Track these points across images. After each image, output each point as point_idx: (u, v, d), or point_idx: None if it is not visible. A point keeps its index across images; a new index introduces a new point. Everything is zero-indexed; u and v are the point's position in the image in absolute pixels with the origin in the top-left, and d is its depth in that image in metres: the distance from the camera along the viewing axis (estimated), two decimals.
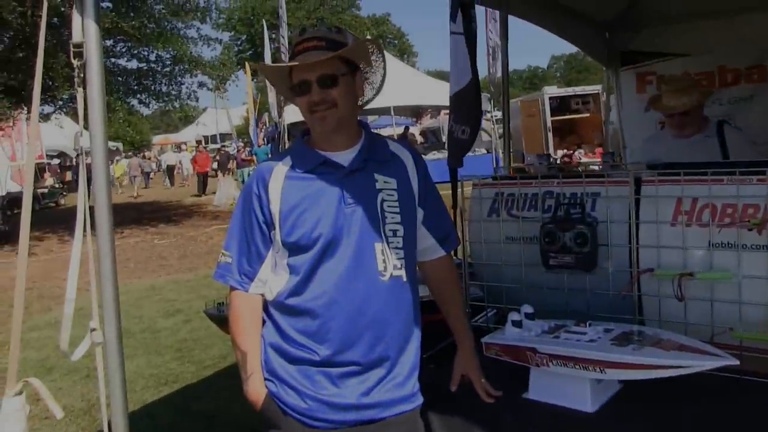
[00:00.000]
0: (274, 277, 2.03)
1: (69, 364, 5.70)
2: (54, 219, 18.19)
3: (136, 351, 6.33)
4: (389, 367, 2.02)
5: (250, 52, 50.10)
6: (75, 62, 2.10)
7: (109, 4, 14.48)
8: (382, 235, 1.98)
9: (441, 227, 2.20)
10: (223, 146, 31.17)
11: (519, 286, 2.85)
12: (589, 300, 2.66)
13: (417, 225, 2.11)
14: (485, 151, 20.24)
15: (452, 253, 2.34)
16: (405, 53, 52.95)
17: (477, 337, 2.44)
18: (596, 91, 18.87)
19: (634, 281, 2.51)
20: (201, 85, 16.98)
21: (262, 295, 2.04)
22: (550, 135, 19.12)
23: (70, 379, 5.72)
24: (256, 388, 2.01)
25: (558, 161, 16.66)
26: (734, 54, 4.96)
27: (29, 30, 12.44)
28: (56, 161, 27.06)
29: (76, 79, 2.11)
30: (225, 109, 30.40)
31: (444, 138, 23.56)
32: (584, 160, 16.24)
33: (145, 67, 16.05)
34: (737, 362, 1.94)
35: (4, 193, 18.23)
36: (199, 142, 39.05)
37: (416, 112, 28.01)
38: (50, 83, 13.54)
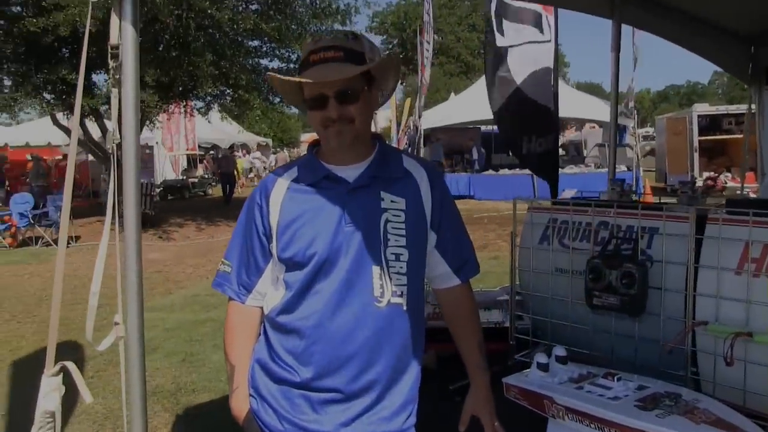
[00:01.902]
0: (273, 291, 1.94)
1: (170, 346, 5.94)
2: (198, 207, 19.14)
3: None
4: (376, 399, 1.85)
5: (401, 56, 50.66)
6: (111, 63, 2.16)
7: (257, 6, 15.13)
8: (383, 258, 1.82)
9: (457, 254, 1.99)
10: None
11: (565, 323, 2.57)
12: (638, 348, 2.33)
13: (428, 250, 1.93)
14: (626, 168, 19.08)
15: (470, 281, 2.12)
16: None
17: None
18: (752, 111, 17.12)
19: (686, 333, 2.16)
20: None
21: (261, 308, 1.96)
22: (696, 155, 17.65)
23: (168, 361, 5.77)
24: (239, 404, 1.93)
25: (701, 184, 15.41)
26: None
27: (182, 32, 13.29)
28: (212, 153, 28.79)
29: (110, 80, 2.17)
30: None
31: (585, 152, 22.62)
32: (731, 184, 14.81)
33: (286, 68, 16.60)
34: None
35: (160, 181, 19.79)
36: None
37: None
38: (196, 81, 14.39)
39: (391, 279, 1.82)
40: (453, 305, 2.04)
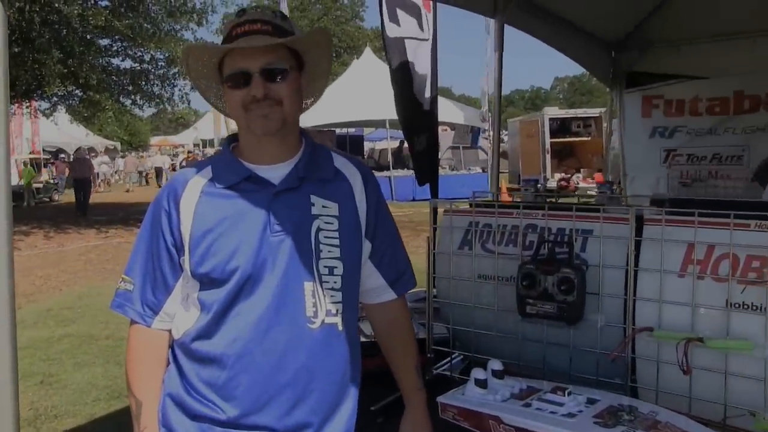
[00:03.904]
0: (183, 312, 1.62)
1: (24, 367, 5.28)
2: (44, 214, 17.85)
3: (95, 359, 5.92)
4: None
5: None
6: None
7: (107, 2, 14.17)
8: (315, 272, 1.56)
9: (393, 265, 1.75)
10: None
11: (491, 333, 2.39)
12: (572, 358, 2.20)
13: (362, 261, 1.67)
14: (480, 170, 19.83)
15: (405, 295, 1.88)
16: None
17: (438, 388, 2.02)
18: (598, 114, 18.51)
19: (628, 341, 2.04)
20: (194, 88, 16.62)
21: (169, 331, 1.61)
22: (548, 157, 18.71)
23: (23, 384, 5.28)
24: None
25: (554, 185, 16.34)
26: (754, 79, 4.49)
27: (25, 26, 12.16)
28: (62, 156, 27.16)
29: None
30: (221, 114, 30.25)
31: (440, 155, 23.27)
32: (582, 185, 15.82)
33: (139, 68, 15.70)
34: None
35: None
36: (196, 146, 38.93)
37: None
38: (41, 80, 13.27)
39: (324, 296, 1.57)
40: (387, 322, 1.82)
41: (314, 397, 1.56)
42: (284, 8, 12.89)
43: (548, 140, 18.81)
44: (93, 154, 28.72)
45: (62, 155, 27.26)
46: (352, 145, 23.68)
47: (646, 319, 2.03)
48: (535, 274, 2.16)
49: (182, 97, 17.06)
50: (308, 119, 18.80)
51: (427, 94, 4.45)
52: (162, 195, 1.59)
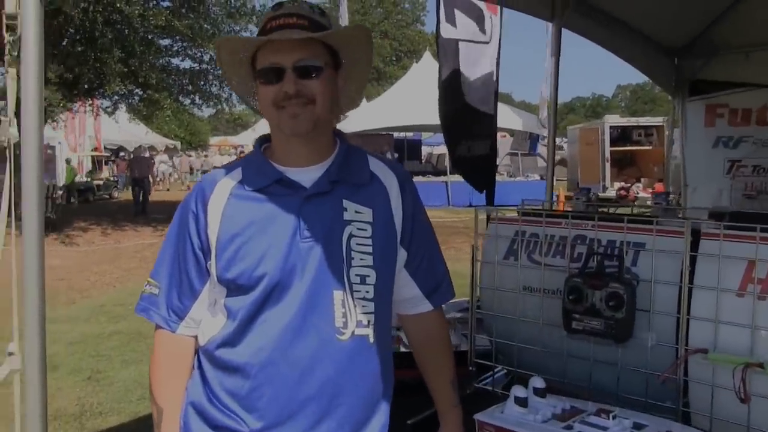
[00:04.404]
0: (210, 318, 1.58)
1: (74, 362, 5.44)
2: (103, 211, 18.33)
3: (142, 356, 6.00)
4: None
5: None
6: (7, 36, 1.76)
7: (168, 3, 14.49)
8: (346, 280, 1.50)
9: (430, 275, 1.68)
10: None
11: (535, 348, 2.30)
12: (620, 377, 2.09)
13: (397, 270, 1.61)
14: (538, 178, 19.50)
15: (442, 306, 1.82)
16: None
17: (476, 404, 1.94)
18: (660, 123, 17.93)
19: (681, 362, 1.92)
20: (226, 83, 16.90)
21: (195, 337, 1.58)
22: (607, 165, 18.23)
23: (71, 380, 5.29)
24: None
25: (613, 194, 15.92)
26: None
27: (89, 26, 12.53)
28: (122, 154, 28.01)
29: (6, 57, 1.78)
30: None
31: (498, 161, 23.01)
32: (641, 194, 15.35)
33: (198, 68, 16.02)
34: None
35: (62, 184, 18.64)
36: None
37: None
38: (102, 78, 13.63)
39: (355, 306, 1.50)
40: (422, 334, 1.74)
41: (341, 411, 1.50)
42: (344, 11, 12.90)
43: (608, 148, 18.33)
44: (153, 153, 29.49)
45: (122, 153, 27.91)
46: (410, 150, 23.68)
47: (701, 339, 1.91)
48: (582, 288, 2.07)
49: (240, 97, 17.32)
50: (366, 123, 18.96)
51: (486, 98, 4.38)
52: (190, 197, 1.56)
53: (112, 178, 25.37)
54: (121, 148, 28.77)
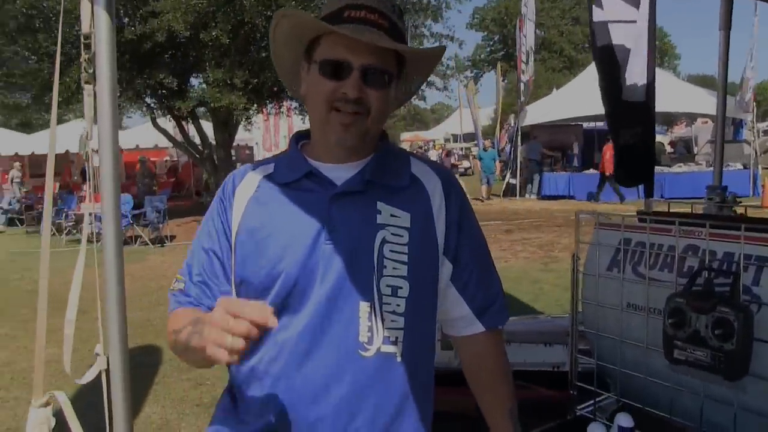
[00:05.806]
0: None
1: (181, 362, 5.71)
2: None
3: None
4: None
5: (502, 52, 50.08)
6: (84, 54, 1.92)
7: None
8: (375, 291, 1.35)
9: (481, 292, 1.48)
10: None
11: (639, 375, 1.98)
12: (737, 419, 1.71)
13: (440, 284, 1.44)
14: (741, 167, 17.38)
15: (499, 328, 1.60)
16: (666, 55, 48.27)
17: None
18: None
19: None
20: (428, 84, 16.91)
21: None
22: None
23: (176, 377, 5.04)
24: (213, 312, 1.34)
25: None
26: None
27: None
28: None
29: (83, 74, 1.94)
30: (468, 109, 30.44)
31: (696, 149, 20.98)
32: None
33: None
34: None
35: None
36: (447, 140, 40.10)
37: (668, 120, 25.30)
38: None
39: (383, 320, 1.34)
40: (475, 358, 1.54)
41: None
42: None
43: None
44: None
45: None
46: (599, 139, 22.42)
47: None
48: (686, 311, 1.71)
49: (418, 93, 17.52)
50: (554, 114, 18.26)
51: (640, 81, 3.97)
52: (222, 187, 1.47)
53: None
54: None
